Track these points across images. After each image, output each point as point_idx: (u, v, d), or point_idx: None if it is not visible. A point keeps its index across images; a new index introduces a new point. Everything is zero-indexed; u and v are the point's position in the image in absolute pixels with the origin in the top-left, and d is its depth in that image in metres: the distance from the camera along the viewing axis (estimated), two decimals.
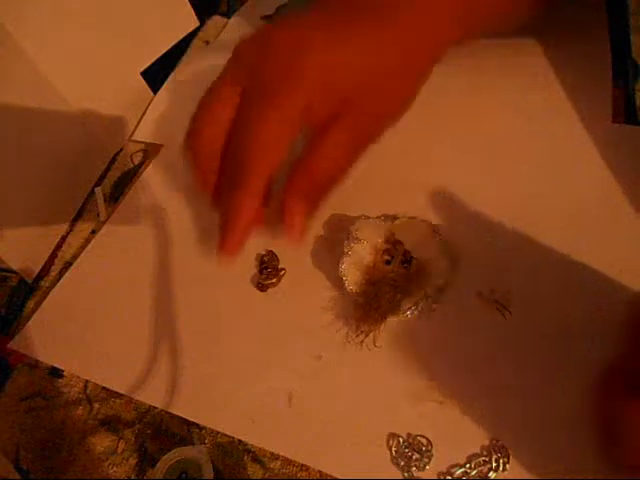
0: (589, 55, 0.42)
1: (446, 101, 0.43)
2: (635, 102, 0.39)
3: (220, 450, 0.30)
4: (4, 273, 0.40)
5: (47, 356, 0.36)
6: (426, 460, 0.27)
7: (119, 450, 0.32)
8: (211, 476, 0.28)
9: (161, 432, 0.32)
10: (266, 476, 0.29)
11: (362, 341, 0.31)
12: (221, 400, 0.32)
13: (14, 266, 0.39)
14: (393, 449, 0.28)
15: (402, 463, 0.28)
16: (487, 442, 0.27)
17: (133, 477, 0.31)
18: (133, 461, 0.31)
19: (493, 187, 0.37)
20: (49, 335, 0.37)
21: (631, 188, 0.35)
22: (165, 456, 0.29)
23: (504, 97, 0.42)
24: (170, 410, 0.32)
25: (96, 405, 0.34)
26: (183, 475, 0.28)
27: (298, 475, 0.29)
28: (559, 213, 0.34)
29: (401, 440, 0.28)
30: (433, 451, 0.28)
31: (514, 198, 0.36)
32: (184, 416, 0.32)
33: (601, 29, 0.44)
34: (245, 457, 0.30)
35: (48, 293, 0.39)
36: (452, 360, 0.30)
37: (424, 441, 0.28)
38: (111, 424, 0.33)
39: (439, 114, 0.42)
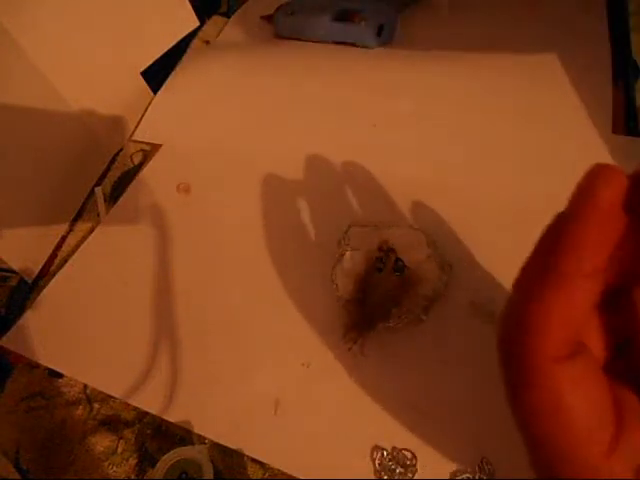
0: (589, 55, 0.42)
1: (443, 106, 0.43)
2: (635, 102, 0.39)
3: (220, 450, 0.30)
4: (4, 273, 0.40)
5: (37, 354, 0.36)
6: (410, 474, 0.27)
7: (119, 450, 0.32)
8: (211, 476, 0.28)
9: (161, 432, 0.32)
10: (266, 476, 0.29)
11: (350, 348, 0.31)
12: (207, 405, 0.32)
13: (14, 266, 0.39)
14: (377, 461, 0.28)
15: (385, 476, 0.27)
16: (472, 459, 0.27)
17: (133, 477, 0.31)
18: (133, 461, 0.31)
19: (490, 196, 0.36)
20: (41, 334, 0.37)
21: None
22: (165, 456, 0.29)
23: (502, 101, 0.42)
24: (164, 417, 0.32)
25: (96, 405, 0.34)
26: (183, 475, 0.28)
27: None
28: None
29: (385, 453, 0.28)
30: (417, 465, 0.27)
31: (511, 207, 0.35)
32: (176, 422, 0.31)
33: (601, 29, 0.44)
34: (245, 457, 0.30)
35: None
36: (439, 373, 0.30)
37: (409, 454, 0.28)
38: (111, 424, 0.33)
39: (436, 120, 0.42)
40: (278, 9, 0.53)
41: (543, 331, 0.15)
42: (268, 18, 0.55)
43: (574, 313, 0.15)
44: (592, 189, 0.15)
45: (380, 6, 0.49)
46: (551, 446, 0.15)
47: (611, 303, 0.18)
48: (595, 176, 0.15)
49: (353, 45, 0.49)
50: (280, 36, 0.54)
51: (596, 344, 0.17)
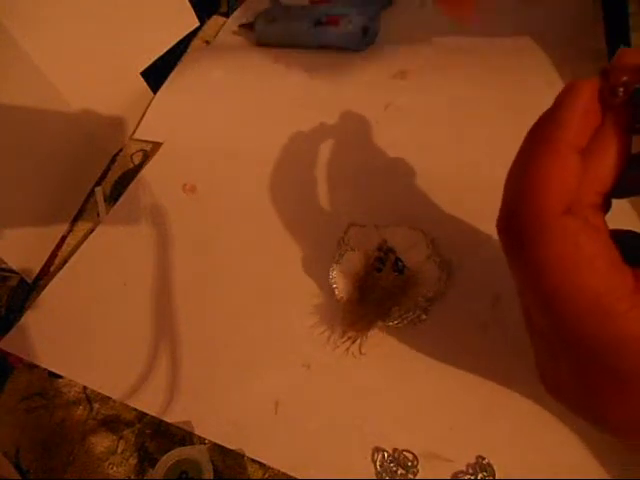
0: (589, 55, 0.42)
1: (443, 105, 0.42)
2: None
3: (220, 450, 0.30)
4: (4, 273, 0.40)
5: (37, 356, 0.36)
6: (411, 476, 0.27)
7: (119, 450, 0.32)
8: (211, 476, 0.28)
9: (161, 432, 0.32)
10: (266, 476, 0.29)
11: (348, 348, 0.31)
12: (207, 406, 0.32)
13: (14, 266, 0.39)
14: (378, 463, 0.28)
15: (387, 477, 0.27)
16: (473, 460, 0.27)
17: (133, 477, 0.31)
18: (133, 461, 0.31)
19: (490, 196, 0.36)
20: (41, 335, 0.37)
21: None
22: (165, 456, 0.29)
23: (502, 103, 0.42)
24: (164, 418, 0.32)
25: (96, 405, 0.34)
26: (183, 475, 0.28)
27: None
28: None
29: (386, 454, 0.28)
30: (419, 467, 0.27)
31: None
32: (176, 423, 0.31)
33: (598, 28, 0.44)
34: (245, 457, 0.30)
35: None
36: (439, 373, 0.30)
37: (410, 456, 0.28)
38: (111, 424, 0.33)
39: (436, 119, 0.42)
40: (258, 17, 0.53)
41: (547, 189, 0.16)
42: (248, 26, 0.54)
43: (569, 178, 0.17)
44: (575, 85, 0.17)
45: (362, 8, 0.49)
46: (572, 300, 0.16)
47: None
48: (576, 79, 0.18)
49: (340, 48, 0.49)
50: (261, 44, 0.53)
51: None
